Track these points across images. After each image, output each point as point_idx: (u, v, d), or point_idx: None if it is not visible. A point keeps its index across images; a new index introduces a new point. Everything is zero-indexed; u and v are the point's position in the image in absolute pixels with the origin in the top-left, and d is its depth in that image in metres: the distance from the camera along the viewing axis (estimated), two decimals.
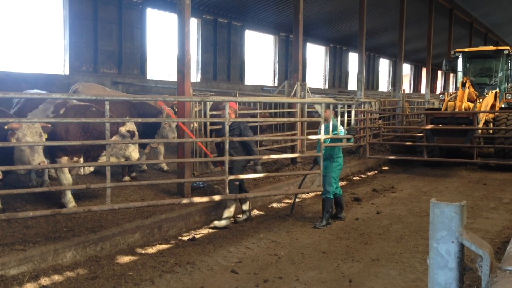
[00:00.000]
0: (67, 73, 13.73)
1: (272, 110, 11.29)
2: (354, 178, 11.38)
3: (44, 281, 4.78)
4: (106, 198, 5.43)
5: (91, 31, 14.26)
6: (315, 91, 22.38)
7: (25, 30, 13.51)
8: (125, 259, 5.59)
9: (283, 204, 8.68)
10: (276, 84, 23.12)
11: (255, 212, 7.93)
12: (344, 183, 10.42)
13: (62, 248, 5.24)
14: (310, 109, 12.39)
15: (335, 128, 7.43)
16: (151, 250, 5.99)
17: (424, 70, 40.39)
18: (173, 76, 17.04)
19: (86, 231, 5.77)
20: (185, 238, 6.49)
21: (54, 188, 5.99)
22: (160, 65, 17.97)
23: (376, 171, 12.45)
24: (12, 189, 5.68)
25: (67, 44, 13.77)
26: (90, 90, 10.21)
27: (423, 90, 36.53)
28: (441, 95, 14.90)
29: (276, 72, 23.94)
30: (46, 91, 10.94)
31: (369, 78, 32.45)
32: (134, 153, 6.64)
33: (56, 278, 4.89)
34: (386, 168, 13.04)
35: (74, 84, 11.03)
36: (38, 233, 5.57)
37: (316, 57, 27.73)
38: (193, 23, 18.33)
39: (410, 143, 12.94)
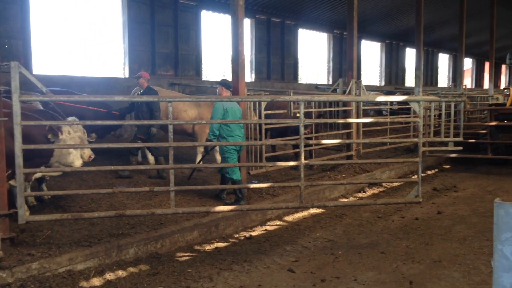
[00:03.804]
0: (127, 76, 14.25)
1: (327, 109, 11.16)
2: (413, 177, 11.02)
3: (109, 276, 4.98)
4: (170, 201, 5.57)
5: (148, 35, 14.73)
6: (370, 88, 21.97)
7: (87, 36, 14.14)
8: (184, 256, 5.72)
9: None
10: (330, 82, 22.87)
11: (312, 211, 7.85)
12: (402, 182, 10.11)
13: (125, 244, 5.45)
14: (365, 107, 12.11)
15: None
16: (208, 247, 6.09)
17: (487, 65, 38.63)
18: (227, 76, 17.26)
19: (147, 228, 5.97)
20: (242, 237, 6.55)
21: (118, 190, 6.18)
22: (215, 65, 18.27)
23: (436, 170, 12.01)
24: (78, 190, 5.95)
25: (126, 48, 14.29)
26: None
27: (486, 85, 34.97)
28: (505, 90, 14.23)
29: (331, 70, 23.69)
30: (107, 94, 11.41)
31: (428, 74, 31.43)
32: (76, 161, 6.34)
33: (120, 273, 5.08)
34: (447, 166, 12.55)
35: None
36: (102, 230, 5.83)
37: (371, 53, 27.19)
38: (247, 24, 18.48)
39: (473, 140, 12.38)
